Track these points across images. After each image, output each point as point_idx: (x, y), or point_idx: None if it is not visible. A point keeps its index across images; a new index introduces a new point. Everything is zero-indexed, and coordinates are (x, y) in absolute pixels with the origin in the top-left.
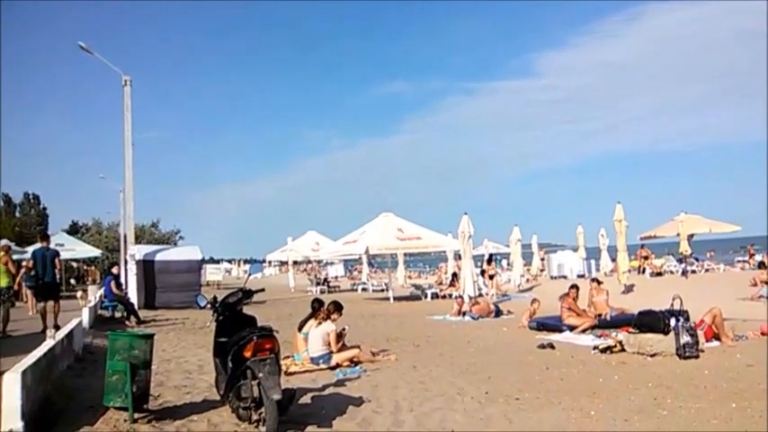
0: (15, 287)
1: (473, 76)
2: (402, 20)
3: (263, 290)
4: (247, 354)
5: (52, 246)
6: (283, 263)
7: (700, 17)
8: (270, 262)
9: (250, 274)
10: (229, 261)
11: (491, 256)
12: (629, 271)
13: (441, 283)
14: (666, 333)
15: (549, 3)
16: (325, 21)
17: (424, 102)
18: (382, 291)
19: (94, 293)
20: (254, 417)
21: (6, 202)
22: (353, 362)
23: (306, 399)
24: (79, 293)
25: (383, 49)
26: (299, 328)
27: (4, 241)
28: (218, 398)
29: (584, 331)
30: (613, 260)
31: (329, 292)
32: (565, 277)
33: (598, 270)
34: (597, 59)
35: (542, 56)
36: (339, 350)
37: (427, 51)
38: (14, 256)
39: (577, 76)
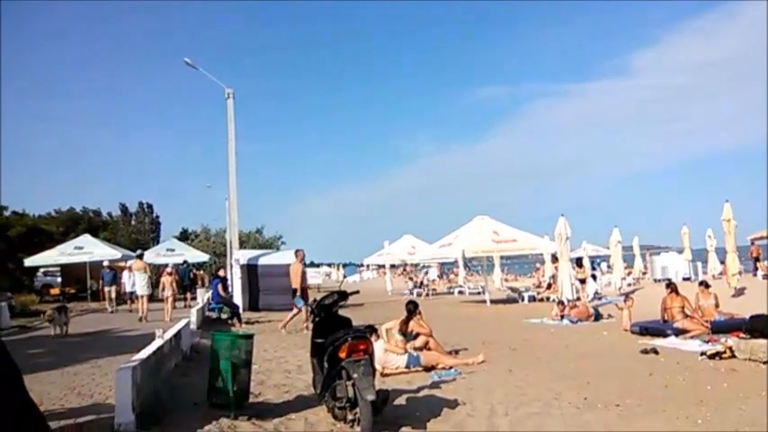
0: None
1: (565, 78)
2: (493, 25)
3: (357, 292)
4: (342, 354)
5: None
6: (380, 266)
7: None
8: (368, 265)
9: (345, 277)
10: (329, 265)
11: (579, 258)
12: (740, 273)
13: (538, 286)
14: None
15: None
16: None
17: (515, 106)
18: (479, 294)
19: (203, 296)
20: (350, 416)
21: (123, 212)
22: (447, 365)
23: (401, 400)
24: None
25: (474, 55)
26: (399, 331)
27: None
28: (315, 397)
29: (692, 337)
30: (722, 262)
31: (426, 295)
32: (669, 280)
33: (705, 272)
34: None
35: (636, 55)
36: (427, 339)
37: (518, 56)
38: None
39: (674, 75)
